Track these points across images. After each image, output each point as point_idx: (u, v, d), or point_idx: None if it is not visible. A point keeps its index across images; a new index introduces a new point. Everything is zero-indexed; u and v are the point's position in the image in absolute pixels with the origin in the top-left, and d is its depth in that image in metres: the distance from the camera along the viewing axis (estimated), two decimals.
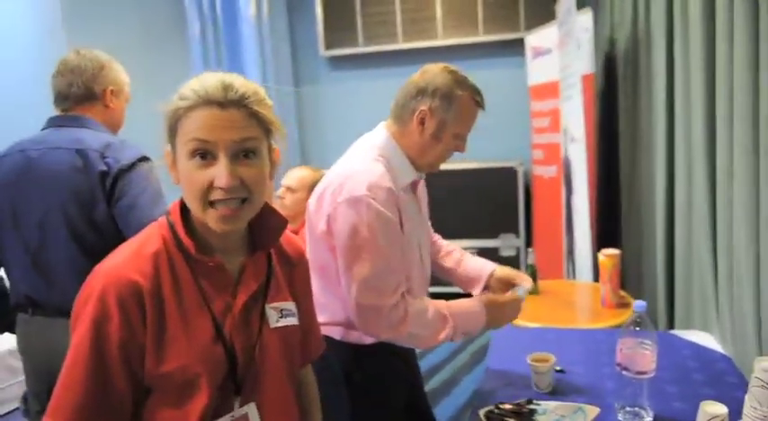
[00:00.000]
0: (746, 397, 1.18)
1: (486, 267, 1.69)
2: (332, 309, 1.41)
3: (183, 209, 0.95)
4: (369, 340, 1.42)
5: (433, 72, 1.40)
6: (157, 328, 0.87)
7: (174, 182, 0.92)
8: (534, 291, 2.40)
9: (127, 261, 0.88)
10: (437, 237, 1.79)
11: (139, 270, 0.87)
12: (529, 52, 3.86)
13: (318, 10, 4.40)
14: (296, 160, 4.56)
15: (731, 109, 1.57)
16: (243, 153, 0.87)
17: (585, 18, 3.14)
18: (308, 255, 1.41)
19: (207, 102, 0.85)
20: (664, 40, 2.16)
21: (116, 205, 1.50)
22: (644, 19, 2.53)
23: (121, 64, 1.69)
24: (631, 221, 2.86)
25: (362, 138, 1.49)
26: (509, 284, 1.64)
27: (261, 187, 0.91)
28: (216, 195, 0.86)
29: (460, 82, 1.39)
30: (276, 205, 2.22)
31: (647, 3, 2.50)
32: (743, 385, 1.46)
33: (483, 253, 1.81)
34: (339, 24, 4.41)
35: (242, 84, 0.88)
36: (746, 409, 1.17)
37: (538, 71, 3.76)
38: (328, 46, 4.45)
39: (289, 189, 2.38)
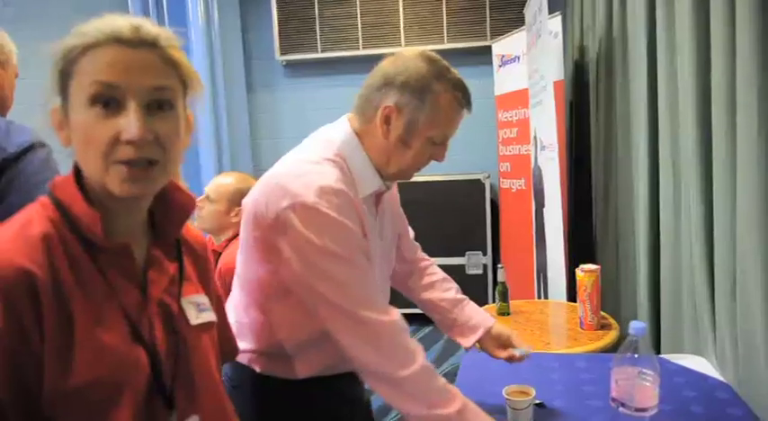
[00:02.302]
0: None
1: (486, 320, 1.41)
2: (256, 333, 1.17)
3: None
4: (303, 374, 1.15)
5: (406, 58, 1.13)
6: (60, 331, 0.68)
7: (63, 144, 0.76)
8: (505, 312, 2.19)
9: (9, 245, 0.68)
10: (428, 263, 1.51)
11: (29, 255, 0.67)
12: (496, 60, 3.71)
13: (274, 14, 4.18)
14: (249, 170, 4.30)
15: (733, 110, 1.37)
16: (157, 104, 0.74)
17: (554, 22, 3.01)
18: (238, 267, 1.19)
19: (113, 40, 0.71)
20: (645, 44, 1.99)
21: (1, 205, 1.20)
22: (620, 22, 2.38)
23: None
24: (608, 235, 2.67)
25: (320, 130, 1.21)
26: (504, 343, 1.39)
27: (176, 148, 0.76)
28: (123, 152, 0.71)
29: (439, 73, 1.12)
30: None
31: (622, 5, 2.35)
32: (749, 417, 1.27)
33: (448, 271, 1.58)
34: (296, 29, 4.19)
35: (156, 26, 0.75)
36: None
37: (505, 80, 3.61)
38: (284, 51, 4.22)
39: (207, 198, 2.08)
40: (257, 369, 1.18)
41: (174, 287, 0.84)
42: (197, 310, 0.85)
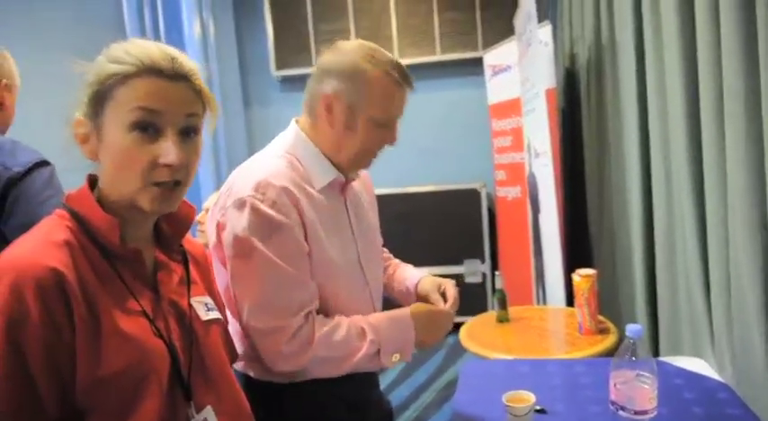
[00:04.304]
0: None
1: (411, 279, 1.43)
2: (242, 338, 1.18)
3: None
4: (297, 377, 1.17)
5: (340, 49, 1.19)
6: (89, 324, 0.74)
7: (87, 157, 0.82)
8: (504, 319, 2.20)
9: (38, 249, 0.75)
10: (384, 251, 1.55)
11: (56, 257, 0.74)
12: (488, 71, 3.75)
13: (269, 29, 4.22)
14: None
15: (721, 113, 1.40)
16: (186, 130, 0.82)
17: (544, 32, 3.04)
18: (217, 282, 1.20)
19: (152, 71, 0.79)
20: (633, 51, 2.03)
21: (7, 223, 1.22)
22: (608, 30, 2.41)
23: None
24: (604, 239, 2.68)
25: (274, 139, 1.28)
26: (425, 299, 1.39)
27: (195, 170, 0.85)
28: (160, 175, 0.79)
29: (370, 56, 1.16)
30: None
31: (609, 13, 2.38)
32: (748, 416, 1.27)
33: None
34: (291, 44, 4.23)
35: (185, 57, 0.83)
36: None
37: (498, 89, 3.64)
38: (279, 66, 4.25)
39: (209, 212, 2.11)
40: (251, 374, 1.21)
41: (183, 288, 0.91)
42: (206, 309, 0.92)
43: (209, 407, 0.87)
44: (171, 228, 0.92)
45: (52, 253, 0.74)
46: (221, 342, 0.95)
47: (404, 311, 1.24)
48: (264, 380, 1.19)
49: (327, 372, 1.16)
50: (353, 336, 1.15)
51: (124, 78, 0.78)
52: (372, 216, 1.39)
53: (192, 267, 0.96)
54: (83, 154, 0.82)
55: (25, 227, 1.17)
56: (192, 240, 1.02)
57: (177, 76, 0.80)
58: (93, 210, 0.80)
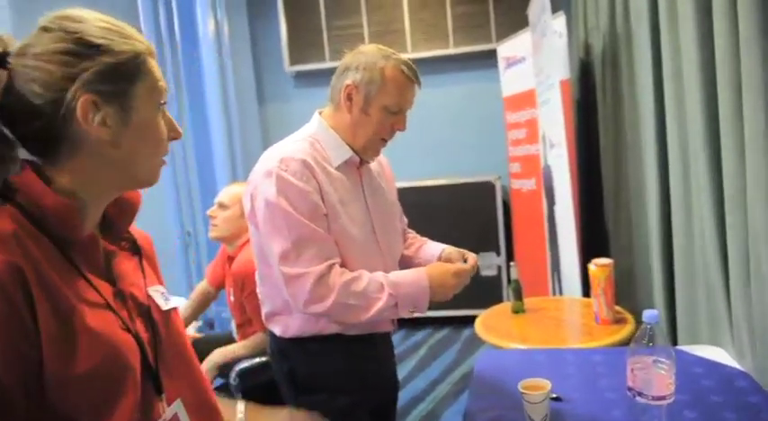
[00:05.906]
0: None
1: (437, 250, 1.59)
2: (272, 298, 1.41)
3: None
4: (310, 331, 1.37)
5: (362, 50, 1.40)
6: (53, 320, 0.67)
7: (106, 140, 0.74)
8: (520, 310, 2.20)
9: None
10: (410, 232, 1.71)
11: (9, 250, 0.66)
12: (501, 63, 3.72)
13: (282, 25, 4.24)
14: None
15: (739, 101, 1.38)
16: None
17: (559, 22, 3.01)
18: (252, 246, 1.43)
19: (151, 51, 0.79)
20: (649, 39, 2.00)
21: None
22: (623, 19, 2.39)
23: None
24: (620, 229, 2.66)
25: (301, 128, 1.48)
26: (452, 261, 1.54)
27: None
28: (168, 148, 0.81)
29: (385, 55, 1.37)
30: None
31: (625, 2, 2.35)
32: None
33: None
34: (304, 39, 4.24)
35: None
36: None
37: (512, 81, 3.62)
38: (293, 62, 4.27)
39: (221, 205, 2.11)
40: (277, 333, 1.42)
41: (137, 278, 0.84)
42: (164, 299, 0.87)
43: (178, 401, 0.82)
44: (118, 215, 0.83)
45: (4, 246, 0.66)
46: (183, 330, 0.90)
47: (420, 270, 1.38)
48: (284, 337, 1.40)
49: (351, 318, 1.32)
50: (373, 289, 1.30)
51: (146, 56, 0.77)
52: (391, 197, 1.56)
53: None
54: (94, 138, 0.73)
55: None
56: (136, 229, 0.93)
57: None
58: (44, 196, 0.71)
